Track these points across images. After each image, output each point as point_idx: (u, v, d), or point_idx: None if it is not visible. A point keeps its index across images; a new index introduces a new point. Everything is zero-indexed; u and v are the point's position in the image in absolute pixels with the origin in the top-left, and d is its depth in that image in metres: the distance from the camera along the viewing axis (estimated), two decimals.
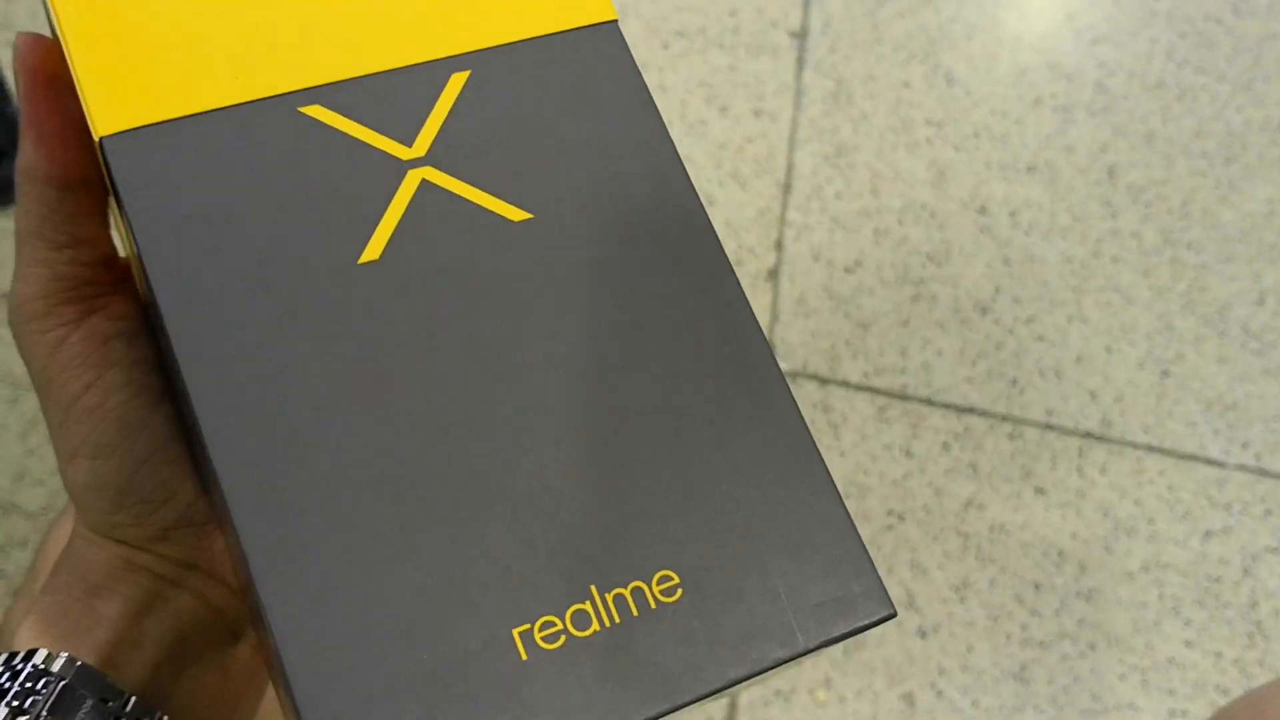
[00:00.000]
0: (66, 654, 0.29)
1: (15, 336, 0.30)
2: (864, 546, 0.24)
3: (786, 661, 0.24)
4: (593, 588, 0.23)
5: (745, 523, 0.24)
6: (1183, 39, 1.15)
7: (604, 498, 0.24)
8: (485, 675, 0.22)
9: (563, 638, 0.22)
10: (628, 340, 0.25)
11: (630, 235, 0.26)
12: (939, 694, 0.88)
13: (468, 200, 0.26)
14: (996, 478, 0.94)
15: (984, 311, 1.00)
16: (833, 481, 0.25)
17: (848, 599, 0.24)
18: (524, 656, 0.22)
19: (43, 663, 0.29)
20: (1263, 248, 1.05)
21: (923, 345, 0.98)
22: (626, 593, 0.23)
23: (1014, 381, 0.98)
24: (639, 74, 0.28)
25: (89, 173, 0.29)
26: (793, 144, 1.06)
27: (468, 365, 0.24)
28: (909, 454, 0.94)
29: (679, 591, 0.23)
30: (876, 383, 0.97)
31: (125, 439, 0.29)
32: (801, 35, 1.11)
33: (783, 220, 1.02)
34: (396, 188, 0.25)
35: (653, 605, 0.23)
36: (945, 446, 0.95)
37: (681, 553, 0.24)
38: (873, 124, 1.07)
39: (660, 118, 0.28)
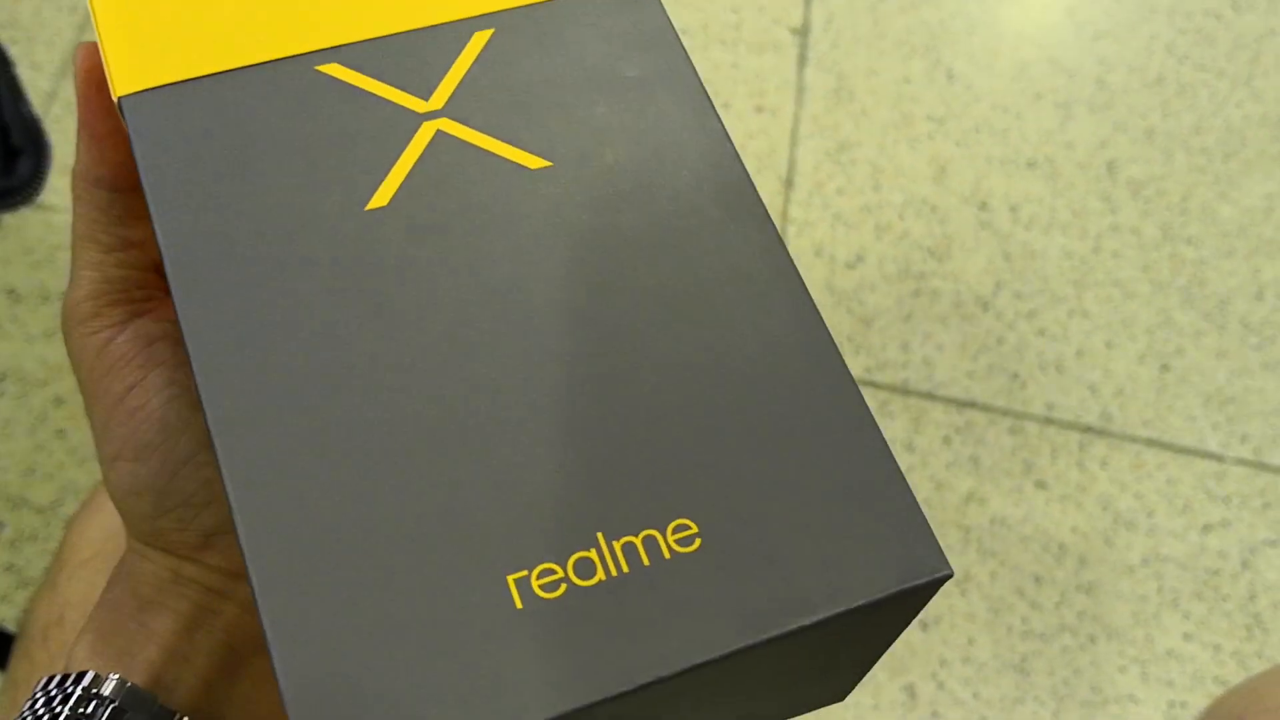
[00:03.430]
0: (117, 676, 0.29)
1: (65, 338, 0.30)
2: (917, 502, 0.22)
3: (820, 629, 0.21)
4: (600, 534, 0.21)
5: (780, 474, 0.22)
6: (1182, 35, 1.15)
7: (618, 444, 0.22)
8: (474, 625, 0.20)
9: (563, 586, 0.21)
10: (654, 283, 0.24)
11: (660, 180, 0.25)
12: (940, 685, 0.88)
13: (483, 150, 0.25)
14: (997, 472, 0.95)
15: (985, 306, 1.01)
16: (882, 435, 0.23)
17: (896, 557, 0.21)
18: (519, 605, 0.20)
19: (92, 685, 0.28)
20: (1261, 243, 1.06)
21: (924, 340, 0.99)
22: (638, 541, 0.21)
23: (1015, 376, 0.99)
24: (671, 27, 0.27)
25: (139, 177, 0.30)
26: (794, 140, 1.06)
27: (476, 304, 0.23)
28: (911, 448, 0.95)
29: (697, 541, 0.21)
30: (878, 377, 0.97)
31: (165, 440, 0.29)
32: (803, 32, 1.11)
33: (785, 216, 1.03)
34: (410, 138, 0.25)
35: (666, 555, 0.21)
36: (947, 440, 0.96)
37: (703, 501, 0.22)
38: (874, 120, 1.08)
39: (694, 70, 0.27)
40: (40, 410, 0.90)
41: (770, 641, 0.21)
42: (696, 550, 0.21)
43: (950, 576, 0.22)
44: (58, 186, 0.97)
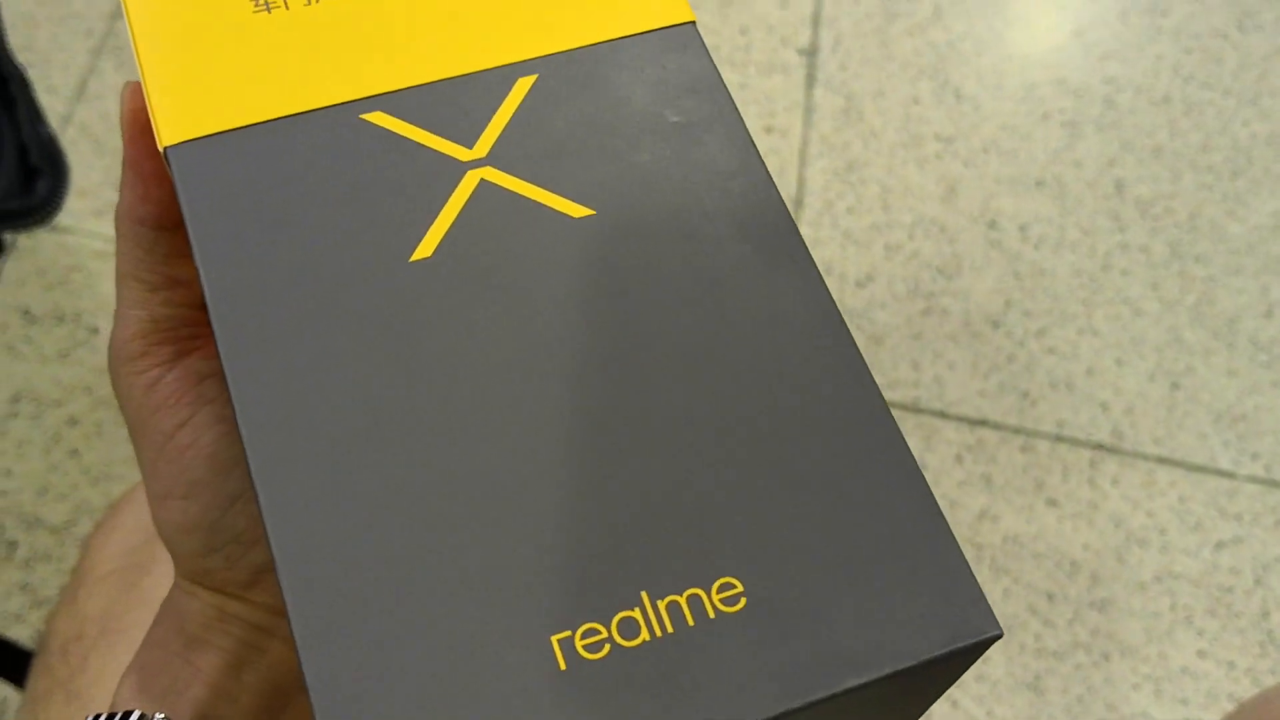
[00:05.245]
0: (163, 716, 0.29)
1: (113, 378, 0.30)
2: (965, 560, 0.21)
3: (866, 689, 0.20)
4: (644, 594, 0.21)
5: (827, 532, 0.22)
6: (1189, 54, 1.16)
7: (663, 499, 0.22)
8: (517, 685, 0.20)
9: (607, 647, 0.20)
10: (699, 332, 0.24)
11: (704, 227, 0.25)
12: (954, 704, 0.88)
13: (526, 198, 0.25)
14: (1009, 489, 0.95)
15: (995, 325, 1.01)
16: (929, 490, 0.22)
17: (944, 617, 0.21)
18: (562, 666, 0.20)
19: None
20: (1270, 260, 1.06)
21: (934, 359, 0.99)
22: (682, 600, 0.21)
23: (1026, 394, 0.99)
24: (716, 72, 0.27)
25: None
26: (804, 160, 1.07)
27: (520, 357, 0.23)
28: (923, 466, 0.95)
29: (742, 601, 0.21)
30: (889, 396, 0.98)
31: (215, 477, 0.29)
32: (811, 53, 1.12)
33: None
34: (454, 187, 0.25)
35: (711, 615, 0.21)
36: (958, 459, 0.96)
37: (748, 559, 0.21)
38: (883, 140, 1.08)
39: (739, 116, 0.26)
40: (54, 430, 0.91)
41: (815, 703, 0.20)
42: (742, 610, 0.21)
43: (1000, 637, 0.21)
44: (73, 208, 0.98)
